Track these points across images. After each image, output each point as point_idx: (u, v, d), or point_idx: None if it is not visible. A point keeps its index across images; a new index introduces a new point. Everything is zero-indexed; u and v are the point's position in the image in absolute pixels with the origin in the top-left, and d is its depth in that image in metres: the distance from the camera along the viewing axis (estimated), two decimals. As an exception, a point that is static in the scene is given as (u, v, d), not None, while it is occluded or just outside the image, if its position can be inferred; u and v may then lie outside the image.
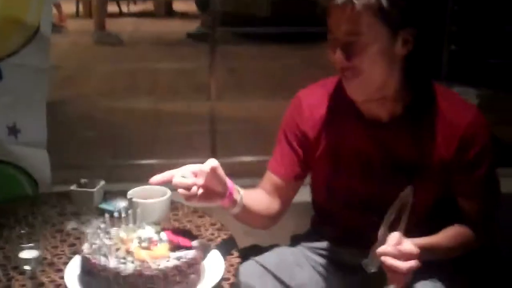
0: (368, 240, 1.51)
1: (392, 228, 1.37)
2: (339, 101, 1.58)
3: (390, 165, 1.55)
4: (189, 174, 1.40)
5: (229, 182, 1.46)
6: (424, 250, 1.38)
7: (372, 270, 1.36)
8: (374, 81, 1.47)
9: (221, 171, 1.42)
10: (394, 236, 1.35)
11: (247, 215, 1.54)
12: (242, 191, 1.51)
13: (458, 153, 1.51)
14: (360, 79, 1.45)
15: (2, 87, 1.96)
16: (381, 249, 1.34)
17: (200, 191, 1.38)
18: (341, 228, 1.65)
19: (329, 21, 1.46)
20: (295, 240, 1.76)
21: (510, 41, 3.86)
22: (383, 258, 1.33)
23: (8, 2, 1.94)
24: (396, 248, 1.34)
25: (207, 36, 2.63)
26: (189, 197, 1.39)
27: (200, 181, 1.39)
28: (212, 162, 1.40)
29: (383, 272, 1.36)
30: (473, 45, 3.80)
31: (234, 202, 1.48)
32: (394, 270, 1.33)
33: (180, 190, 1.39)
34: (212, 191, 1.42)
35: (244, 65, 3.93)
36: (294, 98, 1.67)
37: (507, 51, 3.81)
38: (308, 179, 1.71)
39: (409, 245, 1.36)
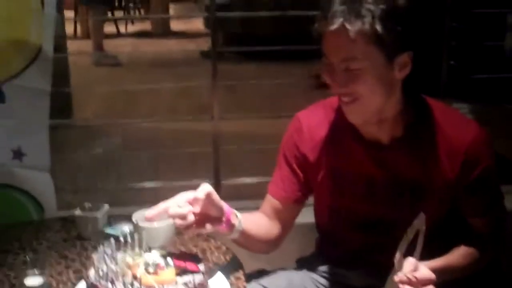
0: (374, 262, 1.50)
1: (407, 255, 1.35)
2: (339, 123, 1.57)
3: (393, 187, 1.54)
4: (184, 203, 1.39)
5: (226, 206, 1.46)
6: (439, 273, 1.37)
7: None
8: (372, 106, 1.45)
9: (216, 196, 1.42)
10: (410, 262, 1.34)
11: (246, 239, 1.53)
12: (240, 215, 1.50)
13: (463, 172, 1.50)
14: (358, 104, 1.44)
15: (5, 110, 1.96)
16: (398, 276, 1.32)
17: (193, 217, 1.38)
18: (346, 250, 1.64)
19: (323, 46, 1.44)
20: (301, 263, 1.75)
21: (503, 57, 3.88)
22: (401, 285, 1.32)
23: (10, 24, 1.95)
24: (413, 274, 1.32)
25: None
26: (187, 227, 1.38)
27: (196, 209, 1.39)
28: (206, 188, 1.40)
29: None
30: (470, 61, 3.81)
31: (232, 226, 1.47)
32: None
33: (177, 221, 1.38)
34: (209, 217, 1.41)
35: (246, 83, 3.94)
36: (293, 119, 1.66)
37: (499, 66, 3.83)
38: (311, 200, 1.70)
39: (426, 270, 1.34)
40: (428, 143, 1.52)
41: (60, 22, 3.72)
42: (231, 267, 1.55)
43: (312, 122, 1.62)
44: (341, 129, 1.57)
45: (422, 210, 1.37)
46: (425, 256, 1.40)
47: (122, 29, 8.53)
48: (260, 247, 1.63)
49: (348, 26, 1.36)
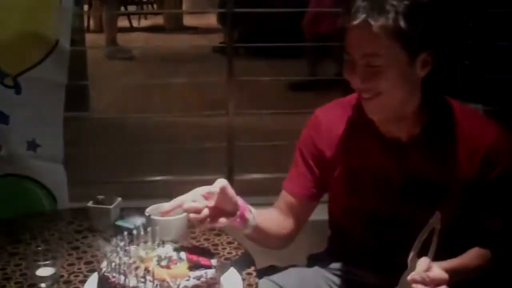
0: (388, 261, 1.49)
1: (421, 254, 1.34)
2: (358, 120, 1.56)
3: (410, 185, 1.53)
4: (199, 198, 1.39)
5: (240, 201, 1.46)
6: (452, 273, 1.36)
7: None
8: (393, 102, 1.45)
9: (230, 191, 1.42)
10: (424, 262, 1.33)
11: (259, 235, 1.53)
12: (254, 210, 1.50)
13: (481, 171, 1.49)
14: (379, 100, 1.44)
15: (20, 102, 1.96)
16: (411, 276, 1.31)
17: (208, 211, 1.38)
18: (359, 248, 1.63)
19: (346, 42, 1.43)
20: (312, 260, 1.74)
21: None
22: (414, 285, 1.31)
23: (29, 16, 1.95)
24: (426, 274, 1.31)
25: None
26: (201, 221, 1.38)
27: (211, 203, 1.39)
28: (221, 182, 1.40)
29: None
30: (484, 61, 3.79)
31: (246, 221, 1.47)
32: None
33: (191, 215, 1.39)
34: (224, 211, 1.42)
35: (259, 79, 3.94)
36: (311, 116, 1.66)
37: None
38: (323, 198, 1.68)
39: (439, 270, 1.33)
40: (447, 142, 1.51)
41: (78, 16, 3.75)
42: (243, 262, 1.54)
43: (330, 119, 1.61)
44: (359, 127, 1.57)
45: (438, 209, 1.36)
46: (439, 256, 1.39)
47: (135, 23, 8.55)
48: (272, 243, 1.62)
49: (371, 21, 1.36)
